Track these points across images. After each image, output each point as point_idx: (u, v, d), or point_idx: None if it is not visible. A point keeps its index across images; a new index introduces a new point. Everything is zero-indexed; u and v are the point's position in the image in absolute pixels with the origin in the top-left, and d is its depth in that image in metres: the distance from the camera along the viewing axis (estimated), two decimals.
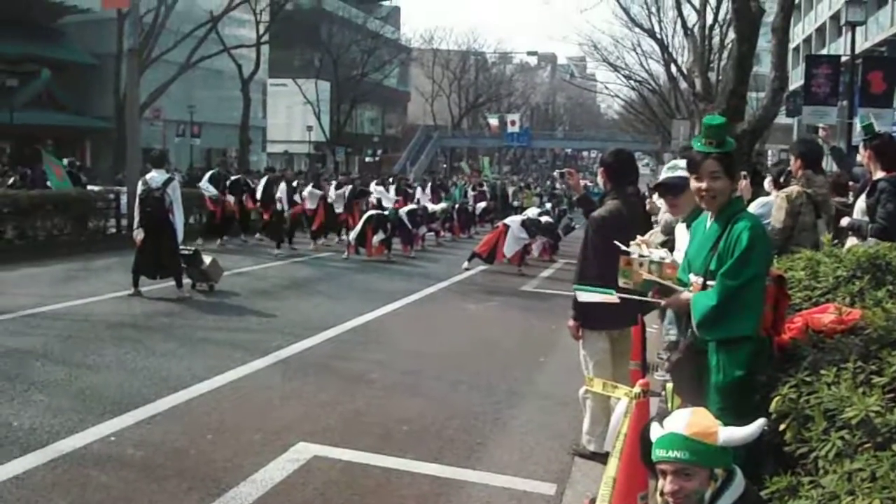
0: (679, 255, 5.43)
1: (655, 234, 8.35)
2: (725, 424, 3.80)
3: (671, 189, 6.28)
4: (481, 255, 22.94)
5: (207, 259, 16.80)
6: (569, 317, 7.84)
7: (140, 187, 15.81)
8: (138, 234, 15.60)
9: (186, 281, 16.26)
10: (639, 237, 5.51)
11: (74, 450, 7.58)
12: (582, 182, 10.39)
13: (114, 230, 25.73)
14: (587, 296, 6.07)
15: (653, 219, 9.27)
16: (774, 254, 5.55)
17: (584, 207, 9.06)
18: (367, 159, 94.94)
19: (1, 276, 17.88)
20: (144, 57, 40.82)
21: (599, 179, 8.28)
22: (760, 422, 3.84)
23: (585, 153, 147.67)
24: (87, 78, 57.12)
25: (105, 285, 16.77)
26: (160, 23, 48.46)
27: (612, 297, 5.66)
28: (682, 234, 6.22)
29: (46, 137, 54.76)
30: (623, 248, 5.36)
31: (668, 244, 6.42)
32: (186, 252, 16.29)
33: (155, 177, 15.81)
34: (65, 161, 30.07)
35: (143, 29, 37.90)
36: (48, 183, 26.75)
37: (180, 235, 15.87)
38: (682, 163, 6.11)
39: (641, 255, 5.22)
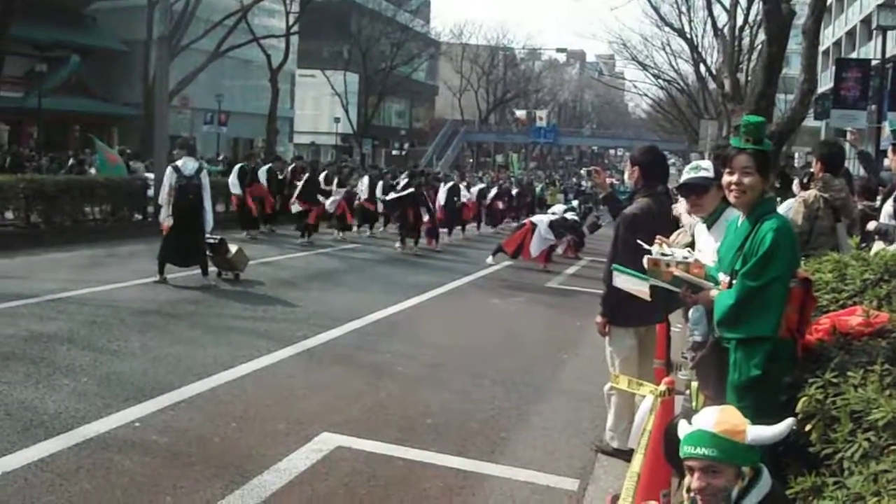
0: (699, 256, 5.41)
1: (683, 235, 8.32)
2: None
3: (694, 189, 6.26)
4: (507, 251, 22.87)
5: (233, 248, 16.82)
6: (597, 313, 7.84)
7: (172, 175, 15.73)
8: (168, 221, 15.62)
9: (212, 269, 16.28)
10: (659, 237, 5.49)
11: (99, 434, 7.61)
12: (608, 180, 10.36)
13: (140, 217, 25.84)
14: (623, 280, 6.04)
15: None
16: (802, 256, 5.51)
17: (610, 206, 9.04)
18: (394, 152, 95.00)
19: (27, 261, 18.01)
20: (174, 45, 40.90)
21: (626, 177, 8.25)
22: (789, 422, 3.84)
23: (612, 151, 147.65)
24: (115, 64, 57.23)
25: (130, 272, 16.82)
26: (190, 11, 48.49)
27: (645, 289, 5.66)
28: (702, 234, 6.21)
29: (74, 123, 55.17)
30: (646, 247, 5.36)
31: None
32: (212, 241, 16.30)
33: (188, 164, 15.83)
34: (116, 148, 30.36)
35: (172, 17, 37.90)
36: (91, 169, 26.88)
37: (210, 224, 15.89)
38: (705, 163, 6.11)
39: (663, 255, 5.21)
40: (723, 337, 4.95)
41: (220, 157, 48.47)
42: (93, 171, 27.18)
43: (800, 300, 4.79)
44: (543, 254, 22.91)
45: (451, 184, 31.69)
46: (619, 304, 7.56)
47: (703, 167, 6.22)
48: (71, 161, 35.44)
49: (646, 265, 5.29)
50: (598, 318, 7.80)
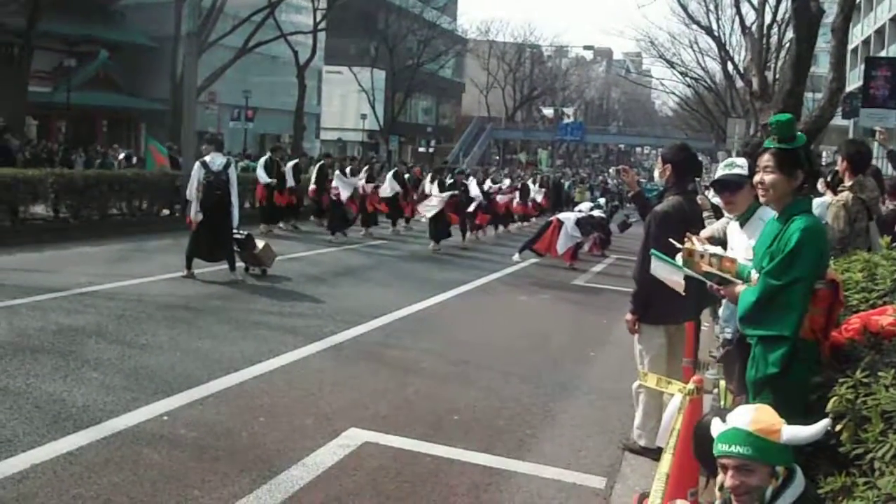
0: (731, 254, 5.41)
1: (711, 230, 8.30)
2: None
3: (727, 186, 6.22)
4: (535, 248, 22.83)
5: (260, 243, 16.86)
6: (627, 310, 7.82)
7: (200, 170, 15.78)
8: (198, 216, 15.67)
9: (239, 265, 16.31)
10: (689, 234, 5.49)
11: (127, 428, 7.64)
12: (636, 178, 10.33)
13: (168, 212, 25.94)
14: (660, 268, 6.03)
15: (704, 215, 9.18)
16: (831, 257, 5.46)
17: (638, 204, 9.01)
18: (420, 149, 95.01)
19: (56, 255, 18.09)
20: (202, 41, 40.98)
21: (657, 175, 8.21)
22: (825, 423, 3.82)
23: (638, 149, 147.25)
24: (143, 60, 57.44)
25: (158, 266, 16.88)
26: (218, 7, 48.62)
27: (680, 279, 5.65)
28: (734, 232, 6.18)
29: (102, 118, 55.40)
30: (678, 245, 5.37)
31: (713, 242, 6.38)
32: (239, 236, 16.33)
33: (216, 160, 15.87)
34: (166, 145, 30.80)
35: (200, 13, 38.01)
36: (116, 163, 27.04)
37: (236, 220, 15.93)
38: (740, 160, 6.08)
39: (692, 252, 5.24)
40: (744, 333, 4.96)
41: (243, 153, 48.61)
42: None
43: (827, 302, 4.76)
44: (570, 251, 22.84)
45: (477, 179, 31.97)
46: (649, 301, 7.55)
47: (737, 164, 6.19)
48: (123, 154, 35.74)
49: (683, 255, 5.33)
50: (629, 316, 7.79)
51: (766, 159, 4.93)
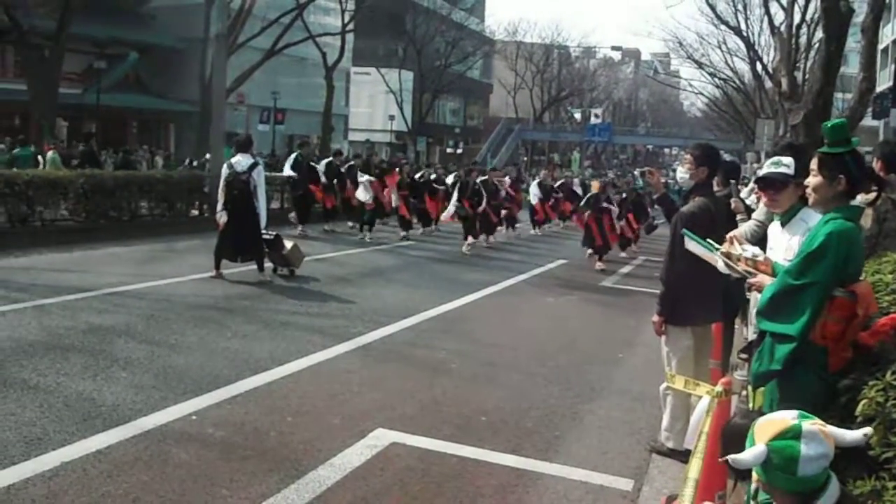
0: (771, 254, 5.41)
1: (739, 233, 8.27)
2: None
3: (772, 184, 6.19)
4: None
5: (288, 244, 16.89)
6: (654, 312, 7.80)
7: (225, 171, 15.92)
8: (222, 217, 15.74)
9: (268, 265, 16.36)
10: (730, 235, 5.50)
11: (156, 427, 7.69)
12: (662, 180, 10.29)
13: (196, 212, 26.05)
14: (693, 245, 6.06)
15: (738, 217, 9.14)
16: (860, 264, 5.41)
17: (663, 206, 8.99)
18: (448, 150, 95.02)
19: (85, 255, 18.22)
20: (230, 42, 41.08)
21: (683, 172, 8.14)
22: (867, 430, 3.77)
23: (667, 150, 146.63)
24: (172, 62, 57.60)
25: (187, 267, 16.97)
26: (246, 9, 48.75)
27: (716, 259, 5.65)
28: (775, 231, 6.16)
29: (132, 119, 55.65)
30: (716, 245, 5.41)
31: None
32: (268, 236, 16.37)
33: (241, 161, 15.90)
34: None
35: (229, 14, 38.10)
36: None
37: (264, 220, 15.95)
38: (787, 159, 6.04)
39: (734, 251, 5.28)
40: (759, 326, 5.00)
41: (272, 154, 48.88)
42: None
43: (845, 311, 4.69)
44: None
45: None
46: (676, 303, 7.54)
47: (783, 163, 6.16)
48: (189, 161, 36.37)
49: (719, 254, 5.41)
50: (655, 318, 7.77)
51: (813, 162, 4.96)
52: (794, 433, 3.44)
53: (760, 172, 6.53)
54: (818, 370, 4.71)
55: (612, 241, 24.45)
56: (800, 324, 4.62)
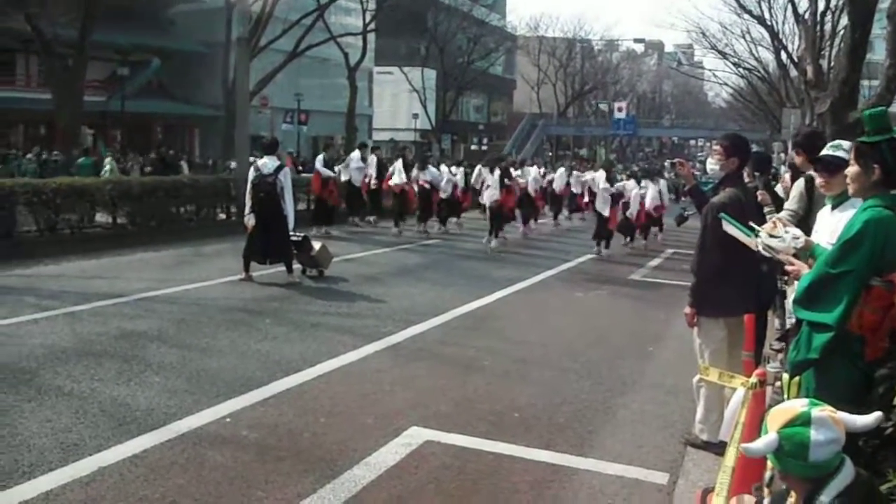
0: (816, 237, 5.42)
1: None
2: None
3: (826, 166, 6.17)
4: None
5: (317, 245, 16.93)
6: (686, 304, 7.78)
7: (252, 173, 15.97)
8: (249, 220, 15.78)
9: (297, 266, 16.39)
10: (776, 217, 5.52)
11: (191, 430, 7.72)
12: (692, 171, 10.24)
13: (224, 216, 26.12)
14: (731, 229, 6.07)
15: (766, 210, 9.09)
16: None
17: (694, 198, 8.95)
18: (473, 147, 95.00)
19: (115, 261, 18.29)
20: (252, 45, 41.10)
21: (714, 162, 8.08)
22: (877, 415, 3.79)
23: (692, 142, 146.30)
24: (195, 66, 57.79)
25: (216, 270, 17.03)
26: (268, 11, 48.78)
27: (753, 242, 5.65)
28: (824, 214, 6.14)
29: (156, 125, 55.90)
30: (757, 227, 5.43)
31: None
32: (296, 238, 16.41)
33: (267, 163, 15.93)
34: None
35: (251, 17, 38.17)
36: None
37: (291, 222, 15.98)
38: (846, 144, 6.02)
39: (773, 236, 5.30)
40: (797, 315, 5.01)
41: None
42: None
43: (884, 302, 4.66)
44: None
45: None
46: (708, 294, 7.52)
47: (843, 147, 6.12)
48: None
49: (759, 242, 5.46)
50: (687, 309, 7.75)
51: (853, 151, 4.98)
52: (803, 420, 3.55)
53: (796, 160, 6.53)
54: (855, 360, 4.70)
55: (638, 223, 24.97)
56: (837, 313, 4.61)
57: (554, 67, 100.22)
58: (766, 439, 3.61)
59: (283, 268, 16.00)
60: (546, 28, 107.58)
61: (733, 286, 7.45)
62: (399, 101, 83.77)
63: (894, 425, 4.02)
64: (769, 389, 6.92)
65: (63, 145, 37.70)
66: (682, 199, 46.15)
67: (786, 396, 5.86)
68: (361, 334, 11.97)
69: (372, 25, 60.17)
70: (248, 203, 15.91)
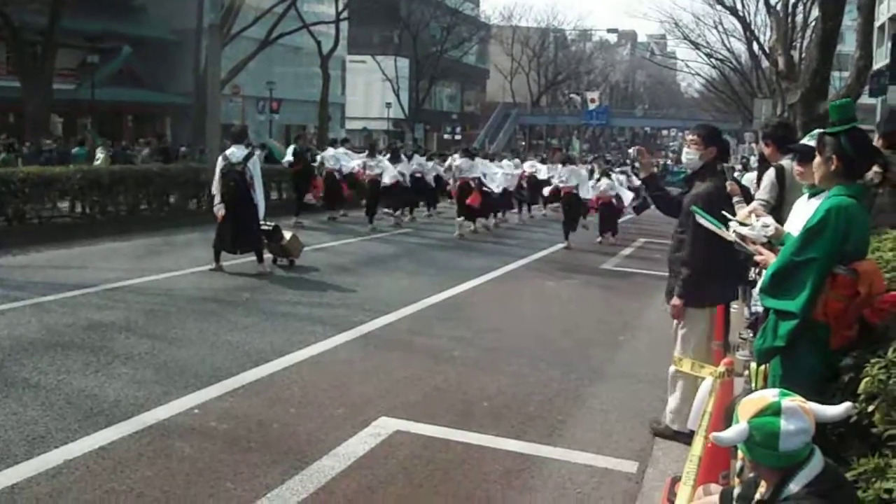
0: (790, 226, 5.44)
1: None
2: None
3: (805, 156, 6.19)
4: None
5: (287, 234, 16.88)
6: (675, 295, 7.70)
7: (220, 162, 15.89)
8: (219, 210, 15.70)
9: (268, 256, 16.34)
10: (753, 207, 5.55)
11: (159, 421, 7.67)
12: (661, 161, 10.24)
13: (195, 205, 25.99)
14: (706, 223, 6.09)
15: (734, 199, 9.10)
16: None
17: (649, 189, 8.91)
18: (446, 136, 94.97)
19: (84, 251, 18.19)
20: (224, 33, 40.84)
21: (692, 154, 8.05)
22: (847, 405, 3.80)
23: (665, 132, 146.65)
24: (166, 54, 57.42)
25: (186, 260, 16.94)
26: None
27: (727, 234, 5.66)
28: (800, 203, 6.15)
29: (127, 113, 55.57)
30: (730, 217, 5.48)
31: None
32: (267, 227, 16.36)
33: (235, 152, 15.87)
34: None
35: (222, 5, 37.98)
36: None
37: (261, 211, 15.92)
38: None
39: (743, 224, 5.35)
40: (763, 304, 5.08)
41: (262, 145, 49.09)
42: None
43: (848, 290, 4.69)
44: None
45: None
46: (698, 285, 7.48)
47: None
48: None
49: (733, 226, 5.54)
50: (676, 301, 7.68)
51: (816, 142, 5.07)
52: (773, 410, 3.57)
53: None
54: (820, 347, 4.73)
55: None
56: (801, 300, 4.65)
57: (527, 57, 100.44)
58: (737, 428, 3.61)
59: (253, 257, 15.93)
60: (519, 18, 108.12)
61: (719, 276, 7.46)
62: (372, 90, 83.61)
63: (859, 413, 4.03)
64: (741, 380, 6.96)
65: (32, 134, 37.45)
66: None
67: (753, 385, 5.88)
68: (332, 324, 11.94)
69: (345, 14, 59.94)
70: (218, 192, 15.83)
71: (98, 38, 50.69)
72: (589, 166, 33.03)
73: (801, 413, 3.55)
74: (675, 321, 7.84)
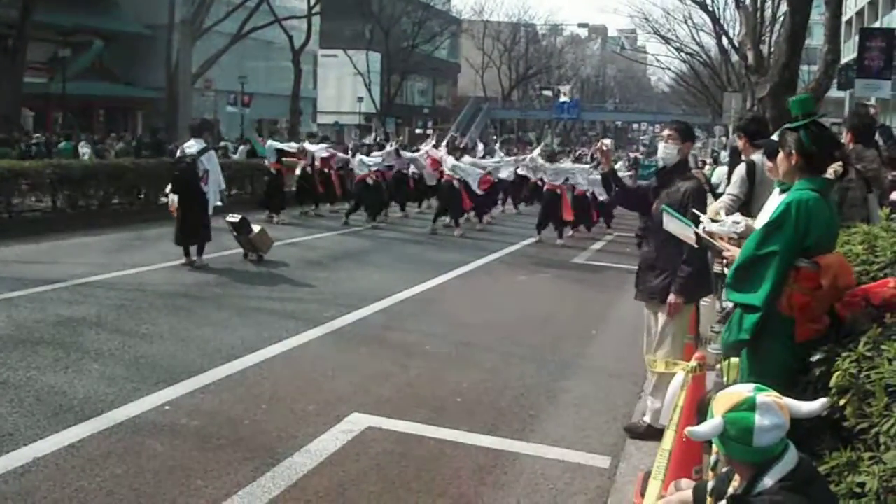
0: (761, 221, 5.45)
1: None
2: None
3: (773, 152, 6.19)
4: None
5: (256, 228, 16.76)
6: (674, 292, 7.58)
7: (177, 155, 15.95)
8: (172, 201, 15.73)
9: (238, 251, 16.29)
10: (716, 208, 5.57)
11: (129, 418, 7.63)
12: (632, 155, 10.25)
13: (166, 199, 25.82)
14: (673, 225, 6.08)
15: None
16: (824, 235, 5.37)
17: (605, 183, 8.87)
18: (418, 130, 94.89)
19: (54, 245, 18.06)
20: (196, 27, 40.76)
21: (671, 148, 8.01)
22: (823, 402, 3.82)
23: (635, 126, 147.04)
24: (139, 49, 57.03)
25: (157, 255, 16.83)
26: None
27: (690, 234, 5.67)
28: (772, 198, 6.16)
29: (99, 107, 55.23)
30: (702, 216, 5.53)
31: None
32: (233, 219, 16.30)
33: (192, 144, 15.95)
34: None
35: (194, 0, 37.86)
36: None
37: (212, 205, 15.99)
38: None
39: (714, 220, 5.39)
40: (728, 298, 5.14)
41: (240, 139, 48.88)
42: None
43: (812, 283, 4.71)
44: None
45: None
46: (689, 279, 7.45)
47: None
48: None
49: (703, 227, 5.64)
50: (674, 299, 7.58)
51: (779, 137, 5.13)
52: (748, 405, 3.60)
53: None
54: (786, 341, 4.75)
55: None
56: (763, 292, 4.70)
57: (498, 51, 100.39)
58: (711, 423, 3.63)
59: (225, 252, 15.87)
60: (490, 12, 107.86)
61: (703, 271, 7.49)
62: (344, 84, 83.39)
63: (831, 407, 4.03)
64: (712, 374, 6.97)
65: (3, 128, 37.19)
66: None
67: (724, 379, 5.91)
68: (303, 319, 11.90)
69: (317, 8, 59.87)
70: (170, 184, 15.88)
71: (70, 32, 50.33)
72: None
73: (775, 409, 3.57)
74: (655, 320, 7.81)
